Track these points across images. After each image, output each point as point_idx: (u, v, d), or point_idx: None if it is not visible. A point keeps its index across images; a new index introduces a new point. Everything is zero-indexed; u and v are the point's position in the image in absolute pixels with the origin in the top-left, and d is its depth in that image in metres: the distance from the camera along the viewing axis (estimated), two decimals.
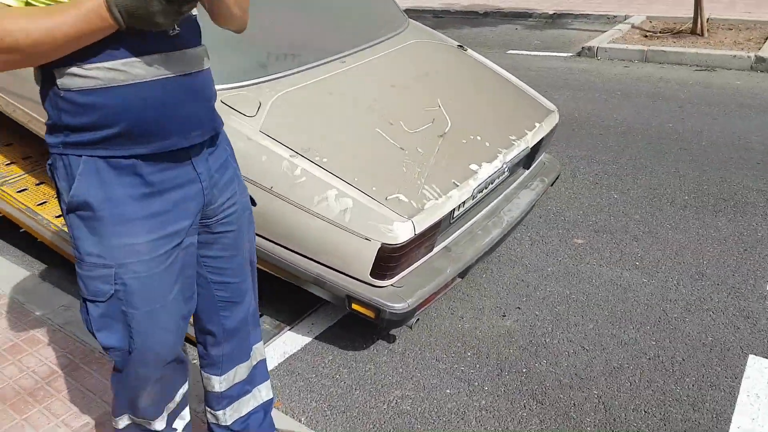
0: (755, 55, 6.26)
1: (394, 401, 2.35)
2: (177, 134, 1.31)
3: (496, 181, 2.60)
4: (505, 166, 2.50)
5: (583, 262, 3.17)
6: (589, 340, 2.61)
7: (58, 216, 3.02)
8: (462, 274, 2.49)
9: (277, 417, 2.12)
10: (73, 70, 1.19)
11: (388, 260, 2.15)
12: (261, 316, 2.68)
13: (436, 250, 2.42)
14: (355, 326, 2.75)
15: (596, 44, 7.13)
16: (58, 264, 3.17)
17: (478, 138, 2.54)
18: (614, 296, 2.89)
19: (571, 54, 7.31)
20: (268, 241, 2.35)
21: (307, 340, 2.67)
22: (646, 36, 7.48)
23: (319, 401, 2.35)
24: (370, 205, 2.12)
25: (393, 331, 2.73)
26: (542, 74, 6.44)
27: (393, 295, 2.24)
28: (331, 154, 2.26)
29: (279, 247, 2.34)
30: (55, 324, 2.55)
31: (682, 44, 6.92)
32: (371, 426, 2.24)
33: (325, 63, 2.69)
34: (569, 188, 3.98)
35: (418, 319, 2.49)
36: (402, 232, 2.09)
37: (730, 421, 2.18)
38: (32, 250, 3.35)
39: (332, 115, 2.46)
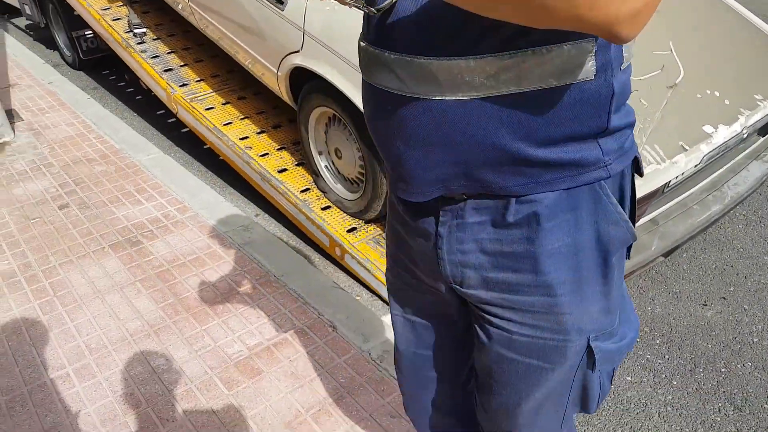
0: None
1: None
2: (394, 169, 0.91)
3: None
4: (745, 131, 2.09)
5: None
6: None
7: (243, 138, 3.10)
8: (667, 253, 2.16)
9: None
10: None
11: None
12: None
13: (642, 221, 2.11)
14: None
15: None
16: (236, 184, 3.29)
17: (716, 94, 2.13)
18: None
19: None
20: None
21: None
22: None
23: None
24: None
25: None
26: None
27: None
28: None
29: None
30: (235, 243, 2.63)
31: None
32: None
33: None
34: None
35: None
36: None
37: None
38: (213, 167, 3.51)
39: None
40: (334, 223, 2.69)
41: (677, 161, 1.91)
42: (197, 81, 3.49)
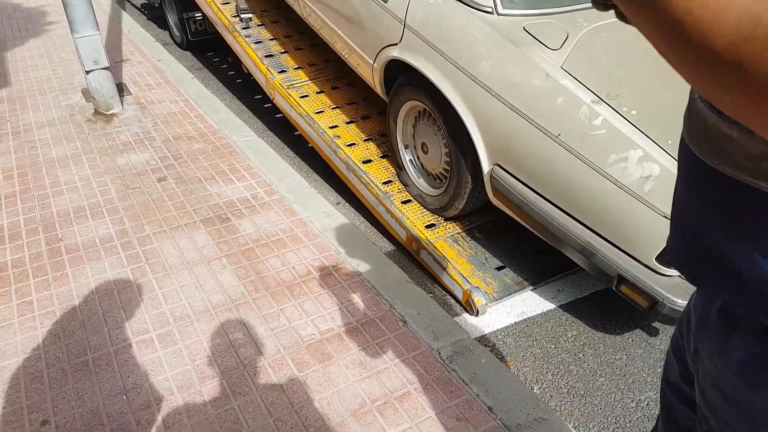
0: None
1: (646, 402, 2.04)
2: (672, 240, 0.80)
3: None
4: None
5: None
6: None
7: (332, 127, 3.15)
8: None
9: (510, 380, 1.97)
10: None
11: None
12: (502, 268, 2.51)
13: None
14: (609, 306, 2.44)
15: None
16: (322, 171, 3.35)
17: None
18: None
19: None
20: (534, 193, 2.13)
21: (550, 306, 2.45)
22: None
23: (556, 375, 2.14)
24: None
25: (656, 324, 2.36)
26: None
27: (679, 288, 1.87)
28: (644, 107, 1.88)
29: (547, 203, 2.10)
30: (315, 227, 2.68)
31: None
32: (613, 420, 1.98)
33: None
34: None
35: None
36: None
37: None
38: (302, 153, 3.59)
39: (656, 59, 2.07)
40: (413, 218, 2.69)
41: None
42: (295, 68, 3.58)
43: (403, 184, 2.86)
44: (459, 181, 2.46)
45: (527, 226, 2.26)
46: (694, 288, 2.03)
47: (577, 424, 1.96)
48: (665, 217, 1.77)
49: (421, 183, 2.79)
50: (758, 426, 0.73)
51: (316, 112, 3.25)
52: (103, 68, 3.69)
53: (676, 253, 0.75)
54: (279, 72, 3.50)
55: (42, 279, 2.34)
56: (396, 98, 2.71)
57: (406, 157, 2.84)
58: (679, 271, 0.75)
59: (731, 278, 0.65)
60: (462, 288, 2.37)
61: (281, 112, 3.51)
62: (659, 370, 2.15)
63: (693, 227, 0.70)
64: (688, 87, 0.71)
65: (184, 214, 2.76)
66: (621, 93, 1.93)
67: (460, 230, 2.67)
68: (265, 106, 4.15)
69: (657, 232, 1.81)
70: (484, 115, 2.18)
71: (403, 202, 2.79)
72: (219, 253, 2.50)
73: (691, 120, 0.65)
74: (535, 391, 2.08)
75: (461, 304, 2.43)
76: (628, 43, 2.10)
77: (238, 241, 2.58)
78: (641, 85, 1.98)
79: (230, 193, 2.93)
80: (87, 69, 3.65)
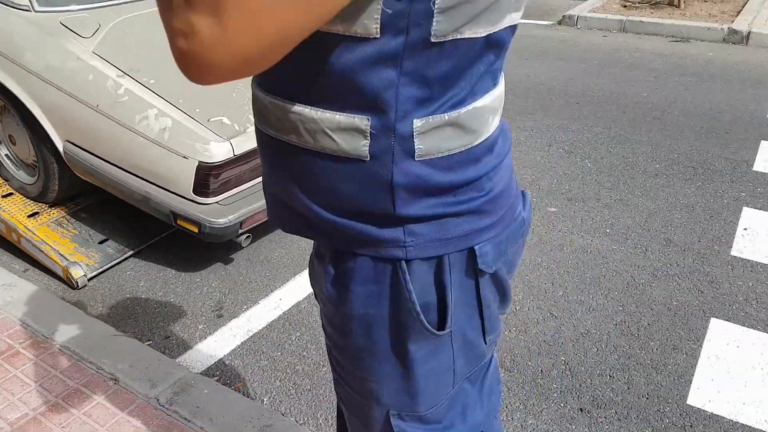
0: (728, 27, 6.24)
1: None
2: None
3: None
4: None
5: (555, 230, 3.08)
6: (558, 306, 2.53)
7: None
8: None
9: (236, 400, 1.98)
10: None
11: (207, 178, 2.22)
12: (105, 241, 2.79)
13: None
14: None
15: (576, 13, 7.09)
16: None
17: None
18: (584, 263, 2.81)
19: (551, 22, 7.23)
20: (98, 159, 2.44)
21: (274, 316, 2.53)
22: (625, 6, 7.43)
23: (284, 380, 2.21)
24: (188, 124, 2.20)
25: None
26: (522, 43, 6.32)
27: (215, 211, 2.32)
28: (160, 77, 2.33)
29: (109, 164, 2.42)
30: None
31: (659, 15, 6.88)
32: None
33: None
34: (544, 157, 3.87)
35: (249, 236, 2.57)
36: (218, 152, 2.17)
37: (691, 383, 2.15)
38: None
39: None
40: (14, 210, 2.82)
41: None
42: None
43: (4, 179, 2.98)
44: (45, 164, 2.67)
45: (107, 190, 2.54)
46: (231, 208, 2.42)
47: (305, 419, 2.05)
48: (184, 157, 2.22)
49: (20, 174, 2.93)
50: (348, 340, 0.87)
51: None
52: None
53: (274, 215, 0.88)
54: None
55: None
56: None
57: (2, 152, 2.97)
58: (282, 229, 0.88)
59: (307, 222, 0.81)
60: (60, 265, 2.57)
61: None
62: None
63: (274, 190, 0.84)
64: None
65: None
66: (142, 68, 2.37)
67: (64, 214, 2.87)
68: None
69: (184, 170, 2.24)
70: (42, 99, 2.47)
71: (4, 196, 2.90)
72: None
73: (253, 102, 0.80)
74: (265, 402, 2.11)
75: (64, 282, 2.61)
76: (151, 31, 2.56)
77: None
78: (160, 62, 2.44)
79: None
80: None
